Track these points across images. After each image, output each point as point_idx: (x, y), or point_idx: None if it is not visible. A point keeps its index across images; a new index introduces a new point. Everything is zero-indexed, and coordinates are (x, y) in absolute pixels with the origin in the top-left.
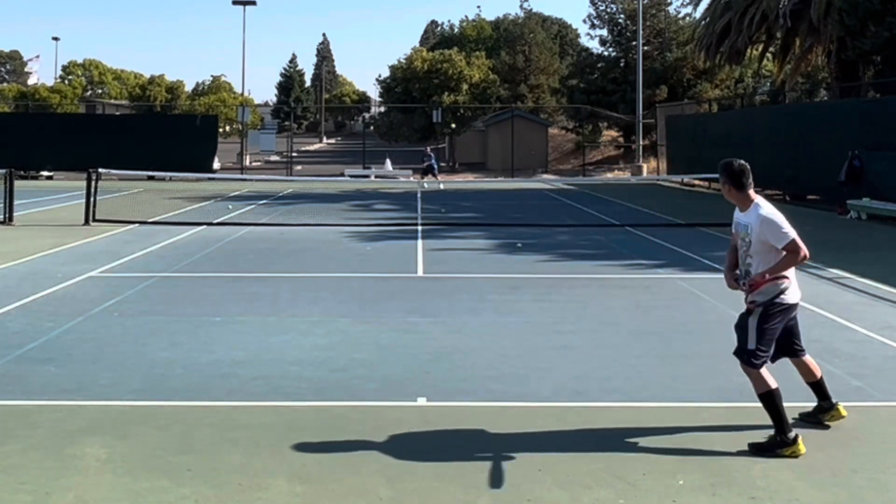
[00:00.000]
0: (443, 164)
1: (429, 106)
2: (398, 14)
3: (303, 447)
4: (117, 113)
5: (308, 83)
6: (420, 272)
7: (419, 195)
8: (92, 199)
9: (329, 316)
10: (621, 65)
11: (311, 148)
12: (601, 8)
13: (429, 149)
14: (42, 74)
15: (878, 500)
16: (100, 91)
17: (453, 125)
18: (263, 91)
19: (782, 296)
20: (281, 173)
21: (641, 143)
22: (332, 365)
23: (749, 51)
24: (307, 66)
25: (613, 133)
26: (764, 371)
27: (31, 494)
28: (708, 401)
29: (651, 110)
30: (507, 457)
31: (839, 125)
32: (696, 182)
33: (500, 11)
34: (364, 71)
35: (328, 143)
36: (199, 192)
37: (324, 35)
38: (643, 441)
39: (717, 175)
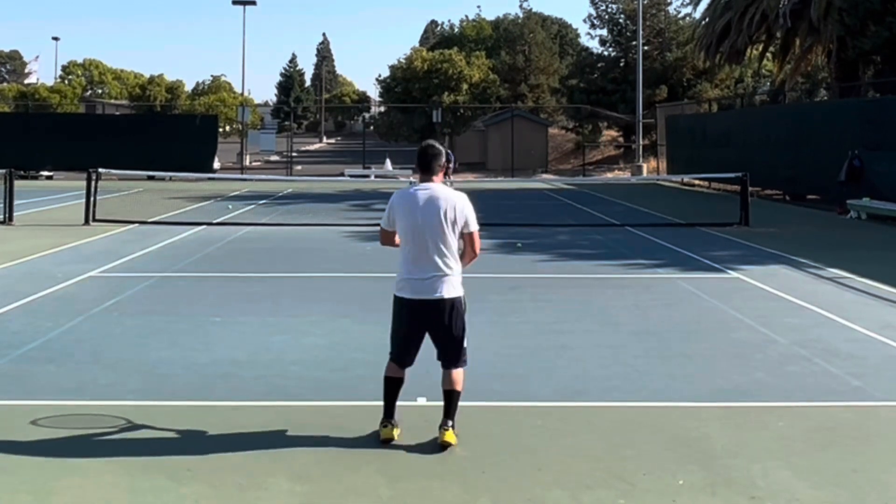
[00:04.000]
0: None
1: (429, 106)
2: (398, 14)
3: (303, 447)
4: (117, 113)
5: (308, 83)
6: None
7: None
8: (92, 199)
9: (329, 316)
10: (621, 65)
11: (311, 148)
12: (601, 8)
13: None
14: (42, 74)
15: (878, 500)
16: (100, 91)
17: (447, 130)
18: (263, 91)
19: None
20: (281, 173)
21: (641, 142)
22: (332, 365)
23: (749, 51)
24: (307, 66)
25: (613, 133)
26: (390, 363)
27: (31, 494)
28: (708, 401)
29: (651, 110)
30: (507, 457)
31: (839, 125)
32: (696, 182)
33: (500, 11)
34: (364, 71)
35: (328, 143)
36: (199, 192)
37: (324, 35)
38: (643, 441)
39: (717, 175)
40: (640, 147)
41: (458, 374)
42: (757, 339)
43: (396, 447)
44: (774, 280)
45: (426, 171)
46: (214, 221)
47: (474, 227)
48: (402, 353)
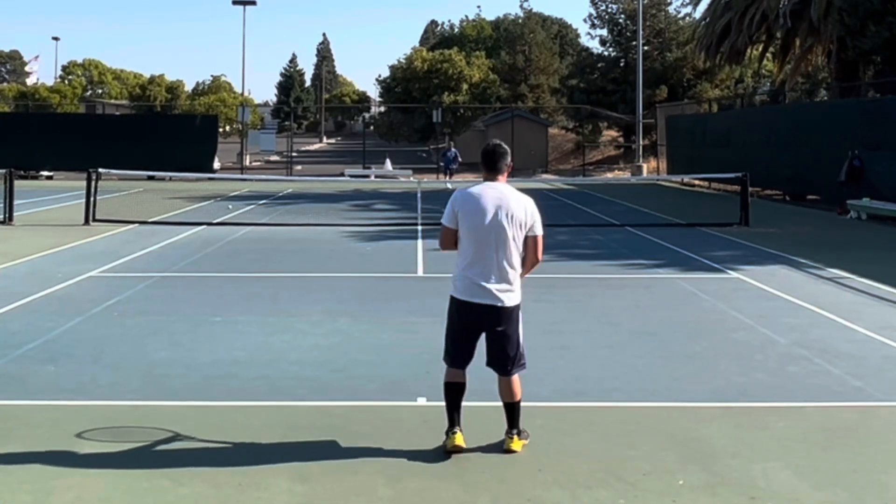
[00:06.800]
0: (441, 165)
1: (429, 106)
2: (398, 14)
3: (303, 447)
4: (117, 113)
5: (308, 83)
6: (420, 272)
7: (419, 195)
8: (92, 199)
9: (329, 316)
10: (621, 65)
11: (311, 148)
12: (601, 8)
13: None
14: (42, 74)
15: (878, 501)
16: (100, 91)
17: (447, 130)
18: (263, 91)
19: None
20: (281, 173)
21: (641, 143)
22: (332, 365)
23: (749, 51)
24: (307, 67)
25: (613, 133)
26: (449, 368)
27: (31, 494)
28: (708, 401)
29: (651, 110)
30: (507, 457)
31: (839, 125)
32: (696, 182)
33: (500, 11)
34: (364, 71)
35: (328, 143)
36: (199, 192)
37: (324, 35)
38: (643, 441)
39: (717, 175)
40: (640, 147)
41: (515, 382)
42: (757, 340)
43: (396, 447)
44: (774, 280)
45: (492, 170)
46: (214, 221)
47: (540, 231)
48: (457, 355)
